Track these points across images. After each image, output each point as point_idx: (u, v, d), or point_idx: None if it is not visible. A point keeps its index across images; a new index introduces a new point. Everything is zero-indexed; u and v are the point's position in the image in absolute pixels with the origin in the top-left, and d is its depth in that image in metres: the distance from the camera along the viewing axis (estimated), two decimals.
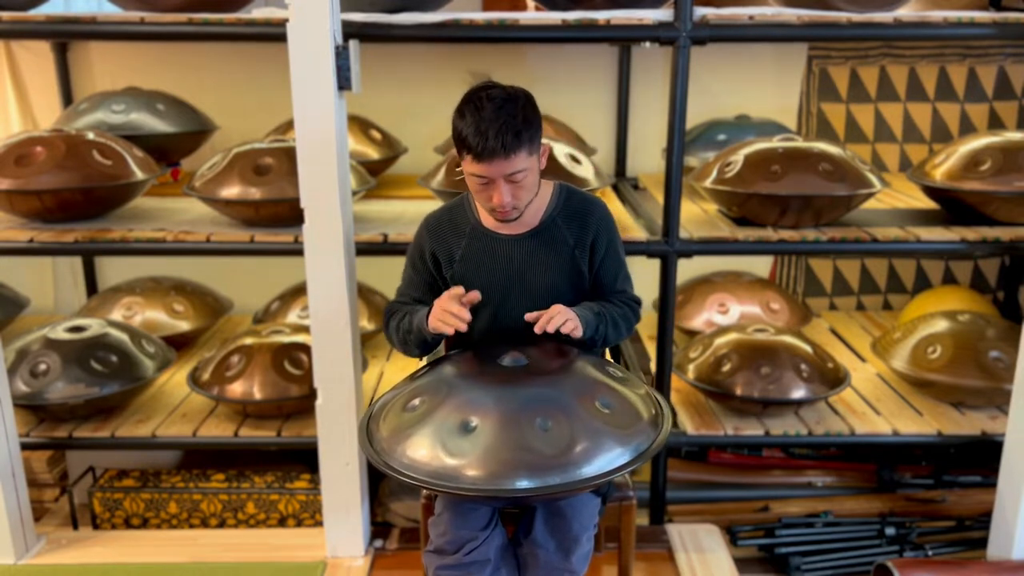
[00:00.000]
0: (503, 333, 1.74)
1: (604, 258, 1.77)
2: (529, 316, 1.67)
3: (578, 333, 1.65)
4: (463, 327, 1.65)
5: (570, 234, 1.75)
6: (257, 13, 2.42)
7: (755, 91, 3.35)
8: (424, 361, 1.82)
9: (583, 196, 1.79)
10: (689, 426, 2.57)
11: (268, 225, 2.44)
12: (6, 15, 2.35)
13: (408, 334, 1.76)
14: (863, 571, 2.59)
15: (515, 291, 1.74)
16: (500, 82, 1.64)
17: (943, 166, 2.53)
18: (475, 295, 1.69)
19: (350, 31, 2.19)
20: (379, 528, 2.54)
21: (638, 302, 1.83)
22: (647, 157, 3.42)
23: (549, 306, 1.67)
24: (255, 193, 2.37)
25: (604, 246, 1.77)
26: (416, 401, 1.58)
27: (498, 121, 1.55)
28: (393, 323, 1.81)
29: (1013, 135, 2.51)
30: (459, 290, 1.68)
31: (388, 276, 2.64)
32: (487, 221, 1.76)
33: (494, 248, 1.75)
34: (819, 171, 2.40)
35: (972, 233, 2.42)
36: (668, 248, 2.42)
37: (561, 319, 1.63)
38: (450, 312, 1.65)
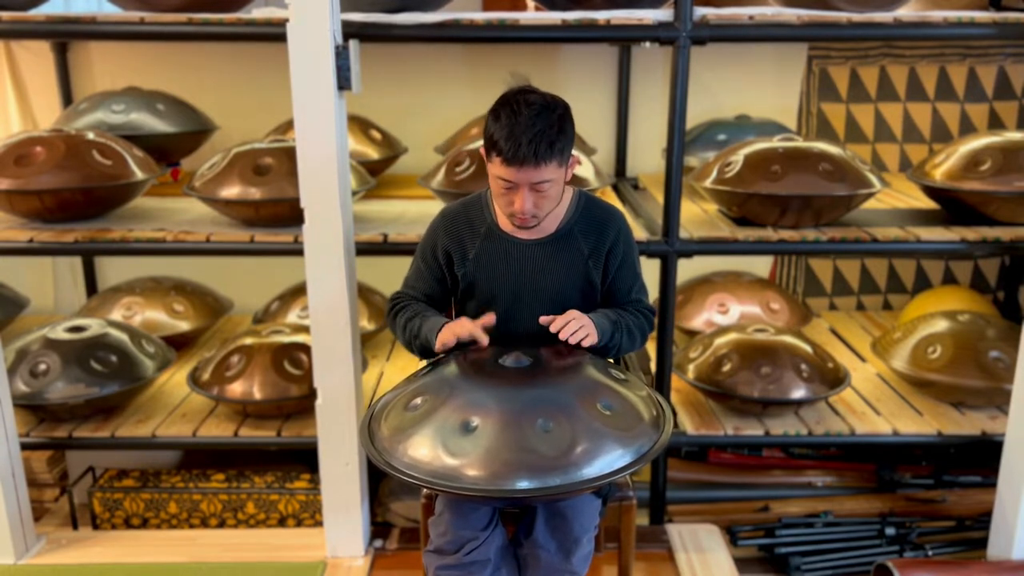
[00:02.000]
0: (510, 337, 1.73)
1: (619, 269, 1.75)
2: (544, 319, 1.66)
3: (592, 341, 1.64)
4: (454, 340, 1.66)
5: (586, 244, 1.73)
6: (257, 13, 2.42)
7: (755, 91, 3.35)
8: (426, 361, 1.82)
9: (602, 205, 1.77)
10: (689, 426, 2.57)
11: (268, 225, 2.44)
12: (6, 15, 2.35)
13: (415, 338, 1.73)
14: (863, 571, 2.59)
15: (525, 296, 1.72)
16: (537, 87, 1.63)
17: (943, 166, 2.53)
18: (491, 319, 1.68)
19: (350, 31, 2.19)
20: (379, 528, 2.54)
21: (652, 311, 1.80)
22: (647, 157, 3.42)
23: (558, 313, 1.67)
24: (255, 193, 2.37)
25: (620, 257, 1.75)
26: (417, 401, 1.58)
27: (533, 128, 1.54)
28: (401, 319, 1.77)
29: (1013, 135, 2.51)
30: (467, 328, 1.67)
31: (388, 276, 2.64)
32: (503, 223, 1.74)
33: (508, 251, 1.73)
34: (819, 171, 2.40)
35: (972, 233, 2.42)
36: (668, 248, 2.42)
37: (576, 326, 1.62)
38: (458, 332, 1.65)
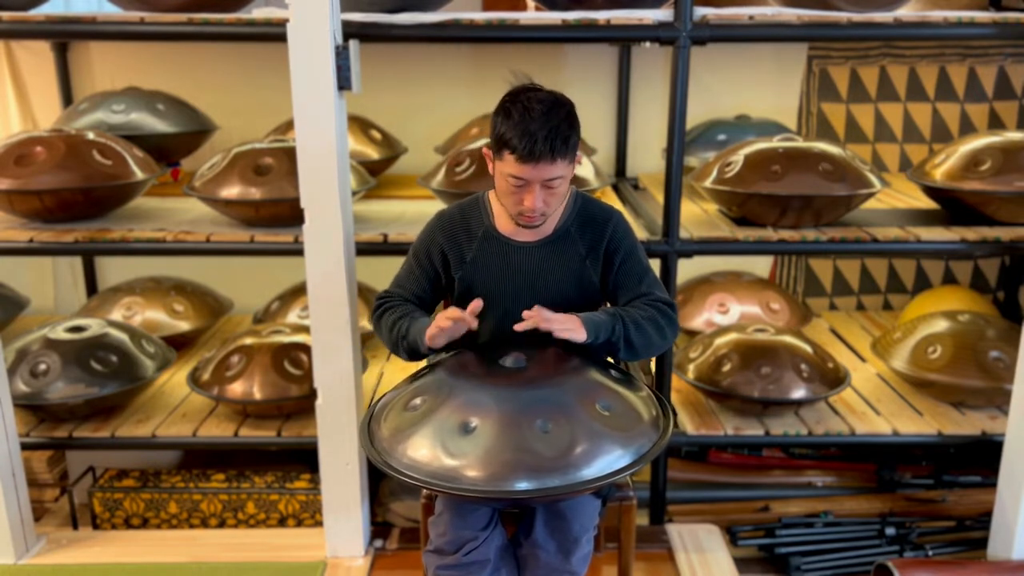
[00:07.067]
0: (510, 340, 1.73)
1: (622, 264, 1.73)
2: (519, 327, 1.60)
3: (579, 336, 1.58)
4: (460, 331, 1.62)
5: (583, 243, 1.73)
6: (257, 13, 2.42)
7: (755, 91, 3.35)
8: (425, 361, 1.82)
9: (598, 205, 1.77)
10: (689, 426, 2.57)
11: (268, 225, 2.44)
12: (6, 15, 2.35)
13: (402, 339, 1.70)
14: (863, 571, 2.59)
15: (524, 298, 1.71)
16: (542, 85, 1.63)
17: (943, 166, 2.53)
18: (478, 304, 1.62)
19: (350, 31, 2.19)
20: (379, 528, 2.54)
21: (670, 304, 1.72)
22: (647, 157, 3.42)
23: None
24: (255, 193, 2.37)
25: (621, 256, 1.73)
26: (417, 401, 1.58)
27: (548, 124, 1.54)
28: (388, 318, 1.75)
29: (1013, 135, 2.51)
30: (455, 311, 1.61)
31: (388, 276, 2.63)
32: (501, 226, 1.74)
33: (506, 254, 1.72)
34: (819, 171, 2.40)
35: (972, 233, 2.42)
36: (668, 248, 2.42)
37: (556, 324, 1.56)
38: (448, 323, 1.60)
